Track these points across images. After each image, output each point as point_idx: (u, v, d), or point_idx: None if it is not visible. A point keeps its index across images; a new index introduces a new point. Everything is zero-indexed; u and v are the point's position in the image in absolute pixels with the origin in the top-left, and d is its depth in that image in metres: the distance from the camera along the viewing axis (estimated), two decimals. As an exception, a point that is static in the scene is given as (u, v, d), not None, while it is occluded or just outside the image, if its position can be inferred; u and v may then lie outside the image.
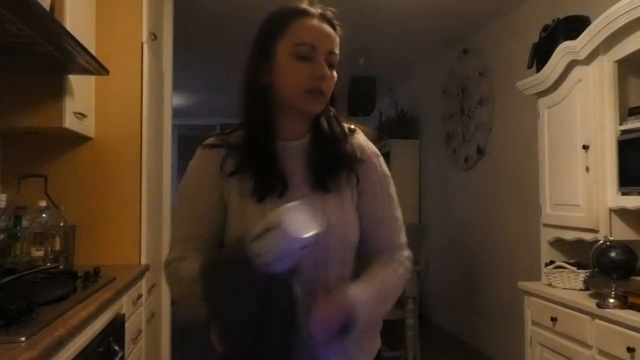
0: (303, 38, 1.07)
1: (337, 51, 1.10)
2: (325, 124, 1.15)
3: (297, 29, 1.08)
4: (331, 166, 1.12)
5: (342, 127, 1.18)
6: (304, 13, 1.09)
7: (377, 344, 1.23)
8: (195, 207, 1.13)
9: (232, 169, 1.10)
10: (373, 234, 1.16)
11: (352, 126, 1.21)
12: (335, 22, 1.12)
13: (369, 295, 1.06)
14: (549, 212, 2.80)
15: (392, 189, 1.20)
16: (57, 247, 2.28)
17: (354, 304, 1.01)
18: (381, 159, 1.21)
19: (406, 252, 1.19)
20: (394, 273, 1.14)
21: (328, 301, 1.01)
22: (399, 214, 1.20)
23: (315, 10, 1.11)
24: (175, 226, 1.16)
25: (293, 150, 1.13)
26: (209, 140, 1.17)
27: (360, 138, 1.20)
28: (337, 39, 1.11)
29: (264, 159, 1.09)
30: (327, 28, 1.10)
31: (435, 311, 5.30)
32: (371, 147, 1.21)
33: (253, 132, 1.12)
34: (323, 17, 1.10)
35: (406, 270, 1.17)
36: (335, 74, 1.11)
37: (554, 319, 2.48)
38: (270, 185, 1.07)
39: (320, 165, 1.11)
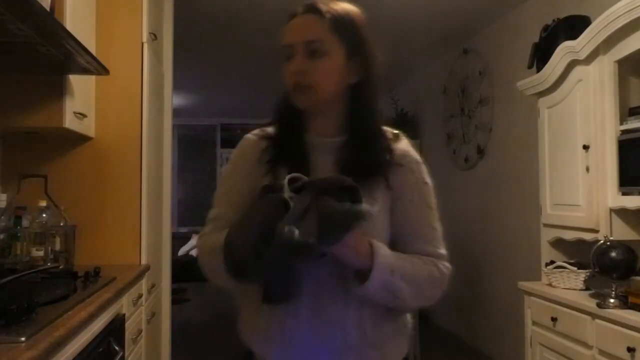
0: (283, 40, 1.12)
1: (313, 38, 1.09)
2: (359, 125, 1.14)
3: (282, 32, 1.13)
4: (360, 169, 1.09)
5: (378, 129, 1.16)
6: (291, 16, 1.14)
7: (401, 349, 1.17)
8: (227, 191, 1.19)
9: (268, 159, 1.15)
10: (407, 241, 1.13)
11: (397, 132, 1.19)
12: (322, 6, 1.11)
13: (395, 260, 1.05)
14: (549, 212, 2.80)
15: (432, 200, 1.16)
16: (57, 247, 2.28)
17: (376, 253, 1.02)
18: (422, 167, 1.18)
19: (446, 262, 1.13)
20: (425, 266, 1.10)
21: (354, 237, 1.00)
22: (437, 225, 1.16)
23: (301, 6, 1.13)
24: (212, 206, 1.21)
25: (324, 147, 1.14)
26: (254, 131, 1.22)
27: (403, 144, 1.18)
28: (318, 25, 1.10)
29: (295, 151, 1.13)
30: (304, 20, 1.11)
31: (435, 311, 5.30)
32: (413, 154, 1.18)
33: (281, 128, 1.18)
34: (307, 9, 1.12)
35: (441, 274, 1.11)
36: (320, 62, 1.09)
37: (554, 319, 2.48)
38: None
39: (349, 166, 1.09)
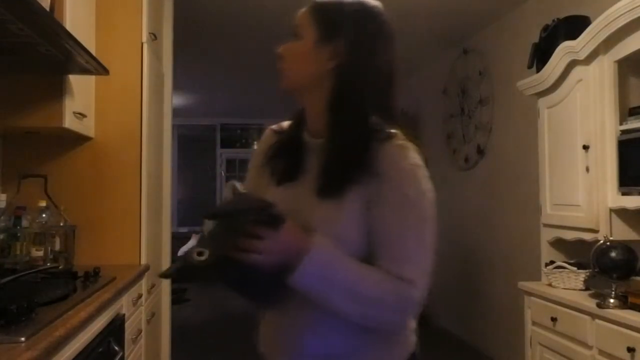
0: None
1: (294, 23, 1.11)
2: (336, 121, 1.06)
3: None
4: (334, 174, 1.03)
5: (362, 127, 1.05)
6: None
7: (402, 346, 1.11)
8: (246, 179, 1.27)
9: (272, 153, 1.18)
10: (376, 257, 1.01)
11: (393, 131, 1.06)
12: None
13: (335, 267, 0.97)
14: (549, 212, 2.80)
15: (413, 215, 1.01)
16: (57, 247, 2.28)
17: (312, 244, 0.96)
18: (407, 177, 1.02)
19: (410, 288, 0.98)
20: (382, 285, 0.97)
21: (289, 229, 0.97)
22: (415, 244, 1.00)
23: None
24: None
25: (312, 147, 1.12)
26: (274, 125, 1.25)
27: (392, 148, 1.04)
28: (304, 12, 1.10)
29: (290, 148, 1.15)
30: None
31: (435, 311, 5.30)
32: (398, 161, 1.03)
33: (290, 122, 1.20)
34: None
35: (398, 299, 0.98)
36: (291, 45, 1.10)
37: (554, 319, 2.48)
38: (286, 173, 1.13)
39: (324, 170, 1.05)
